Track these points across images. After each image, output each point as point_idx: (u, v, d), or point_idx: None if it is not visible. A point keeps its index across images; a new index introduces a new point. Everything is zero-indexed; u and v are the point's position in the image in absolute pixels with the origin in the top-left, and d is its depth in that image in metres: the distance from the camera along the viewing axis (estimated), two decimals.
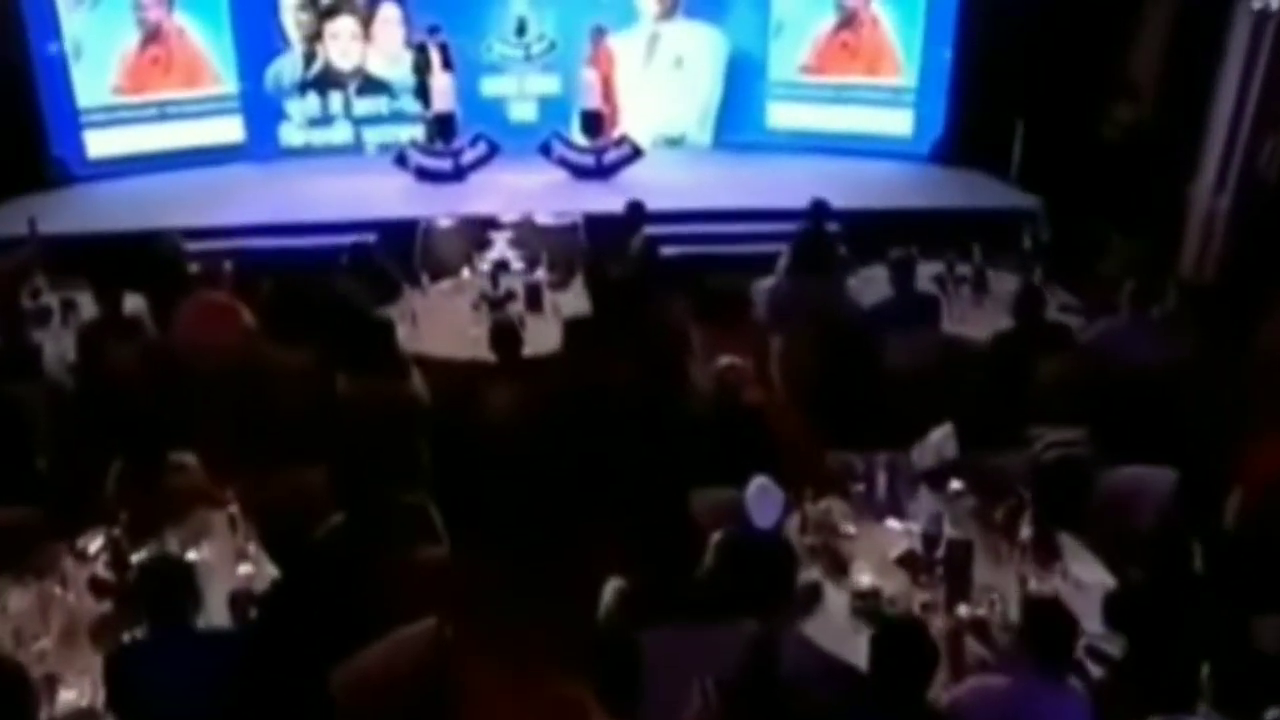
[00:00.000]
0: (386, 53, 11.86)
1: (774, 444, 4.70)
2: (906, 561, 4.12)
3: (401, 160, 10.72)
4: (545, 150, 10.77)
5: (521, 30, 11.63)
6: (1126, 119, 10.15)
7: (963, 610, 3.87)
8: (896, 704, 3.14)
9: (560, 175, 10.82)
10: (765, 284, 7.51)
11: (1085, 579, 4.14)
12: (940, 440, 4.77)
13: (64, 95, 11.09)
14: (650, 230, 9.41)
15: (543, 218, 9.36)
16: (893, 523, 4.42)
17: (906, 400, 5.62)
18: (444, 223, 9.38)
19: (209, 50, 11.58)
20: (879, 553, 4.23)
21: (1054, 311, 6.43)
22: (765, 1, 11.67)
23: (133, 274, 7.30)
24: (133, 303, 6.72)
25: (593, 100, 10.71)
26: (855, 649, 3.80)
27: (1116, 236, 8.27)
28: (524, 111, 11.94)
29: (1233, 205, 8.37)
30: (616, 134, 10.83)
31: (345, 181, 10.84)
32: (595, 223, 9.50)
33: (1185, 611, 3.78)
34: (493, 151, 10.77)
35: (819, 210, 7.58)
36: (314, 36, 11.76)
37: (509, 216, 9.45)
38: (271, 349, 5.71)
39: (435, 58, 10.71)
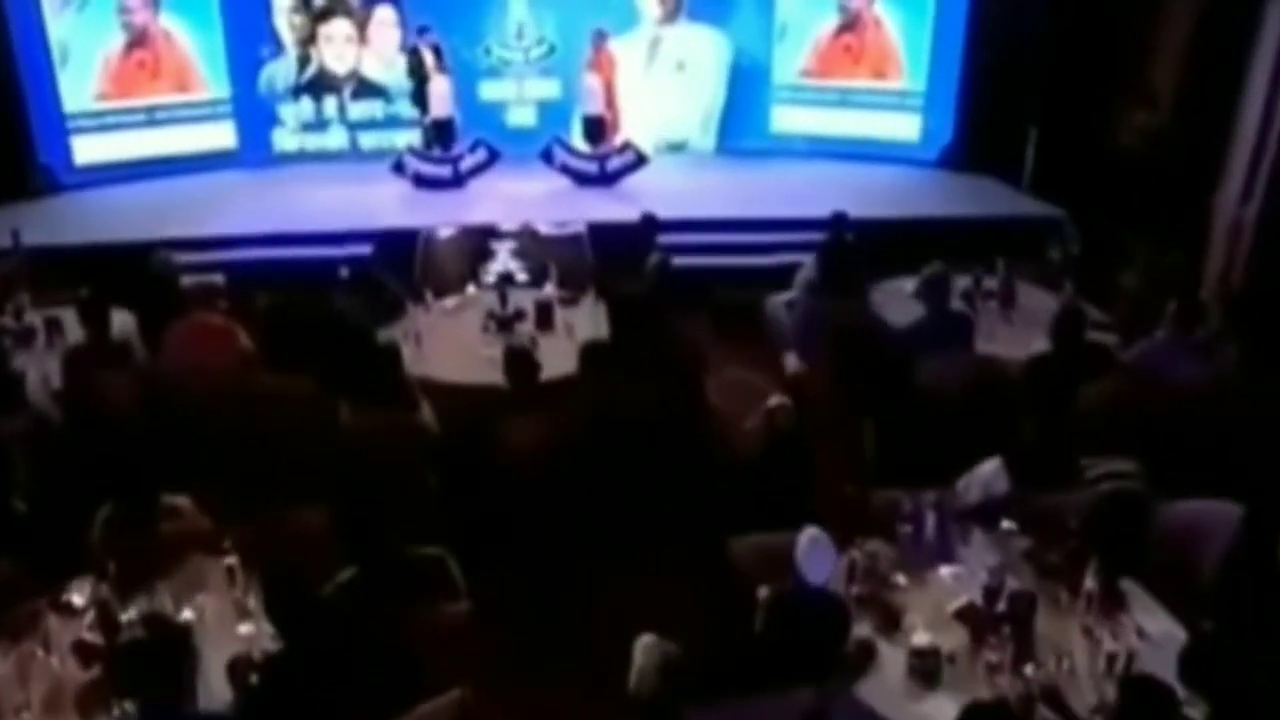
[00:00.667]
0: (382, 56, 11.44)
1: (820, 485, 4.32)
2: (966, 615, 3.76)
3: (399, 167, 10.32)
4: (547, 157, 10.38)
5: (520, 33, 11.23)
6: (1143, 126, 9.81)
7: (1030, 671, 3.51)
8: None
9: (562, 182, 10.44)
10: (781, 299, 7.18)
11: (1152, 631, 3.79)
12: (989, 476, 4.42)
13: (50, 100, 10.65)
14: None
15: (546, 227, 8.98)
16: (945, 569, 4.06)
17: (943, 427, 5.24)
18: (444, 233, 8.99)
19: (199, 54, 11.14)
20: (933, 604, 3.87)
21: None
22: (769, 4, 11.30)
23: (122, 290, 6.94)
24: (121, 321, 6.33)
25: (595, 105, 10.32)
26: (914, 714, 3.47)
27: (1142, 248, 7.92)
28: (523, 116, 11.55)
29: (1260, 215, 8.03)
30: (619, 140, 10.44)
31: (341, 189, 10.43)
32: (600, 232, 9.13)
33: (1268, 667, 3.43)
34: (493, 158, 10.37)
35: (841, 223, 7.20)
36: (308, 39, 11.33)
37: (510, 225, 9.08)
38: (269, 376, 5.30)
39: (429, 60, 10.31)
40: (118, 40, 10.86)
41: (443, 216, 9.57)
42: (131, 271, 8.26)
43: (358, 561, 3.61)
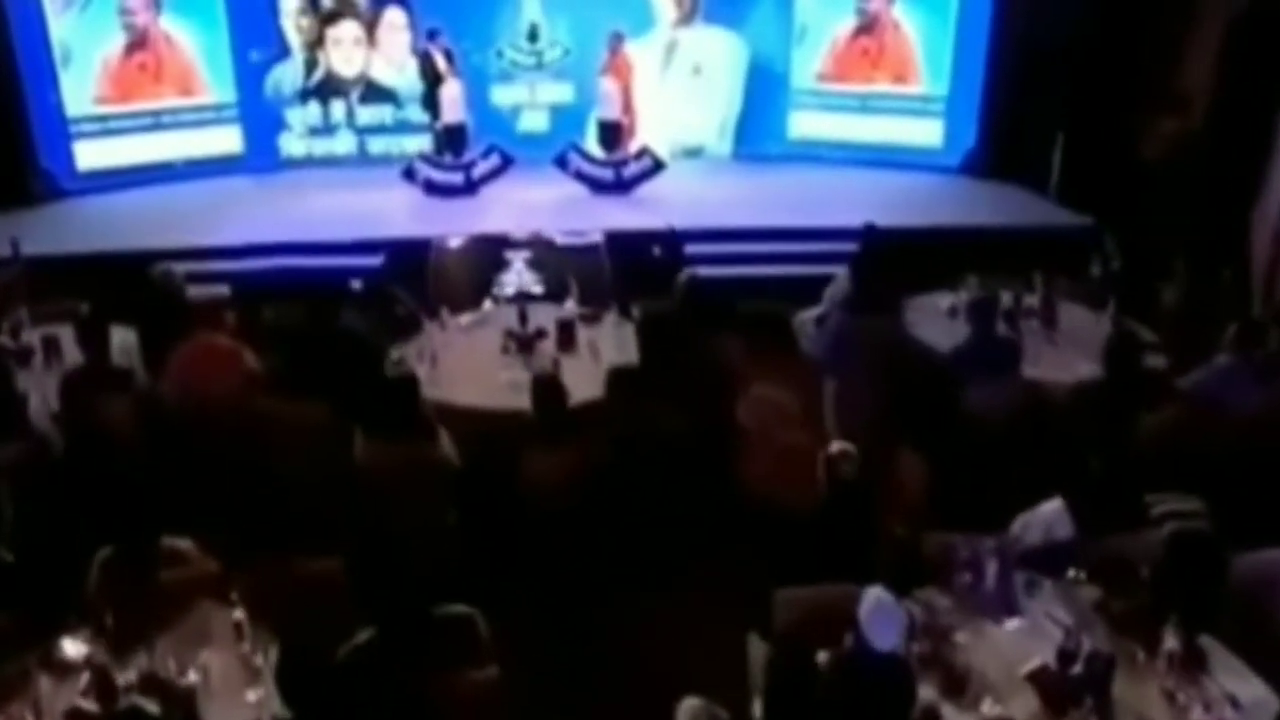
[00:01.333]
0: (392, 59, 11.10)
1: (879, 532, 3.99)
2: (1039, 679, 3.43)
3: (410, 174, 9.98)
4: (561, 163, 10.04)
5: (533, 36, 10.88)
6: (1173, 133, 9.46)
7: None
8: None
9: (576, 189, 10.10)
10: (810, 314, 6.83)
11: (1240, 695, 3.46)
12: (1051, 518, 4.08)
13: (52, 104, 10.32)
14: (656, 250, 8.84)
15: (562, 237, 8.65)
16: (1010, 623, 3.73)
17: (990, 460, 4.92)
18: (457, 243, 8.66)
19: (202, 56, 10.80)
20: (1001, 664, 3.54)
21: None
22: (788, 6, 10.93)
23: (123, 305, 6.62)
24: (122, 339, 6.00)
25: (611, 111, 9.97)
26: None
27: (1181, 262, 7.58)
28: (535, 121, 11.20)
29: None
30: (636, 146, 10.10)
31: (350, 196, 10.09)
32: (618, 241, 8.81)
33: None
34: (505, 164, 10.04)
35: (873, 235, 6.87)
36: (315, 42, 10.99)
37: (524, 234, 8.75)
38: (277, 402, 4.97)
39: (441, 64, 9.98)
40: (118, 42, 10.53)
41: (454, 224, 9.25)
42: (133, 284, 8.03)
43: (377, 620, 3.28)
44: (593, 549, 4.44)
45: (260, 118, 11.02)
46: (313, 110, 11.13)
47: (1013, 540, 4.05)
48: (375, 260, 8.63)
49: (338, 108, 11.16)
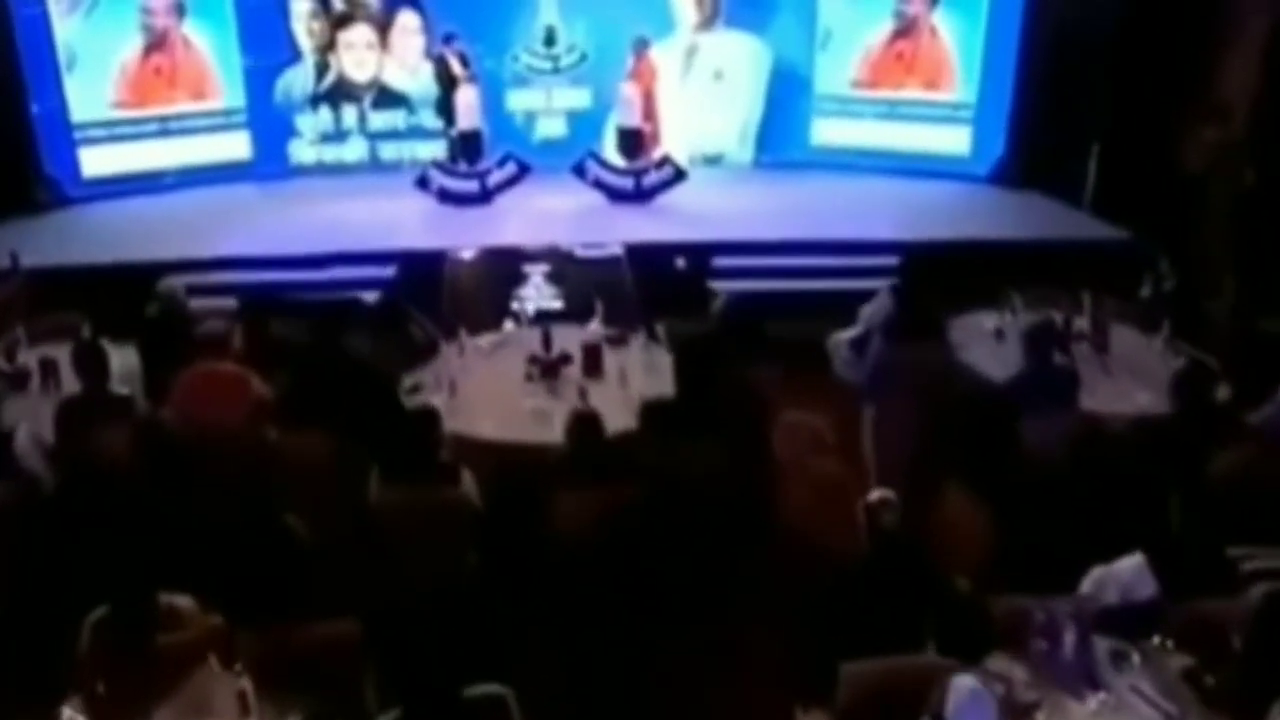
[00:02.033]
0: (405, 63, 10.74)
1: (934, 587, 3.61)
2: None
3: (423, 182, 9.61)
4: (579, 171, 9.67)
5: (550, 40, 10.50)
6: (1214, 142, 9.06)
7: None
8: None
9: (594, 198, 9.72)
10: (844, 336, 6.45)
11: None
12: (1130, 577, 3.70)
13: (57, 109, 9.98)
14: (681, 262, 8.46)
15: (582, 250, 8.30)
16: (1093, 699, 3.35)
17: (1051, 503, 4.54)
18: (471, 255, 8.32)
19: (215, 61, 10.46)
20: None
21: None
22: (812, 10, 10.54)
23: (126, 322, 6.28)
24: (123, 360, 5.65)
25: (631, 117, 9.59)
26: None
27: (1229, 278, 7.23)
28: (552, 127, 10.83)
29: None
30: (657, 154, 9.73)
31: (362, 204, 9.73)
32: (638, 254, 8.46)
33: None
34: (522, 172, 9.67)
35: (917, 256, 6.48)
36: (327, 46, 10.63)
37: (542, 245, 8.41)
38: (286, 435, 4.61)
39: (456, 69, 9.61)
40: (134, 46, 10.19)
41: (469, 234, 8.92)
42: (137, 298, 7.69)
43: (399, 701, 2.91)
44: (626, 599, 4.07)
45: (270, 123, 10.67)
46: (323, 116, 10.77)
47: (1088, 601, 3.68)
48: (387, 272, 8.34)
49: (349, 113, 10.80)
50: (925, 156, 10.50)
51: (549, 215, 9.43)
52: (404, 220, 9.39)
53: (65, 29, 9.90)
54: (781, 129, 10.87)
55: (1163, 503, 4.10)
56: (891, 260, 8.53)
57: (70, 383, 5.28)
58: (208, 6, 10.32)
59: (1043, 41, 9.79)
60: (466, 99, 9.56)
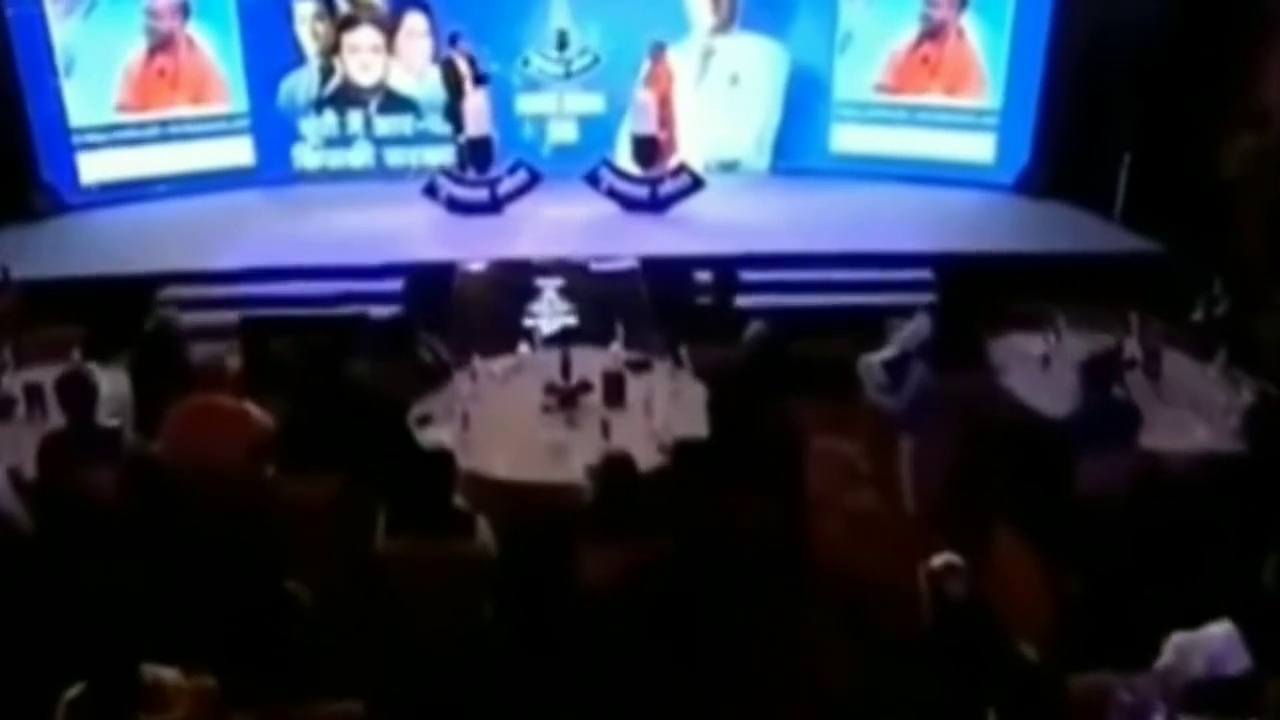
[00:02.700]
0: (412, 67, 10.35)
1: (1006, 664, 3.22)
2: None
3: (431, 190, 9.22)
4: (593, 180, 9.28)
5: (562, 44, 10.09)
6: (1251, 150, 8.65)
7: None
8: None
9: (608, 207, 9.33)
10: (875, 359, 6.05)
11: None
12: (1220, 649, 3.29)
13: (55, 113, 9.60)
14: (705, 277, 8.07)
15: (595, 263, 7.91)
16: None
17: (1114, 553, 4.15)
18: (481, 268, 7.93)
19: (219, 64, 10.07)
20: None
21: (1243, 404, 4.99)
22: (832, 13, 10.13)
23: (120, 337, 5.91)
24: (114, 385, 5.27)
25: (647, 124, 9.20)
26: None
27: (1276, 293, 6.82)
28: (564, 133, 10.43)
29: None
30: (674, 162, 9.33)
31: (367, 213, 9.34)
32: (654, 267, 8.07)
33: None
34: (533, 180, 9.28)
35: (948, 271, 6.09)
36: (331, 49, 10.24)
37: (555, 258, 8.03)
38: (287, 480, 4.23)
39: (464, 73, 9.22)
40: (137, 48, 9.81)
41: (479, 245, 8.54)
42: (135, 313, 7.33)
43: None
44: (656, 665, 3.67)
45: (273, 128, 10.29)
46: (328, 121, 10.39)
47: (1173, 675, 3.28)
48: (394, 285, 7.96)
49: (355, 118, 10.41)
50: (947, 164, 10.10)
51: (561, 225, 9.05)
52: (411, 230, 9.01)
53: (63, 31, 9.52)
54: (799, 135, 10.48)
55: (1247, 557, 3.71)
56: (919, 274, 8.18)
57: (57, 412, 4.90)
58: (211, 8, 9.95)
59: (1071, 46, 9.40)
60: (476, 104, 9.18)
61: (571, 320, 7.33)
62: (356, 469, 4.31)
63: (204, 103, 10.10)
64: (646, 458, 4.51)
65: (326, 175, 10.44)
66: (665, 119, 9.24)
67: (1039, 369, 5.48)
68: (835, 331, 7.24)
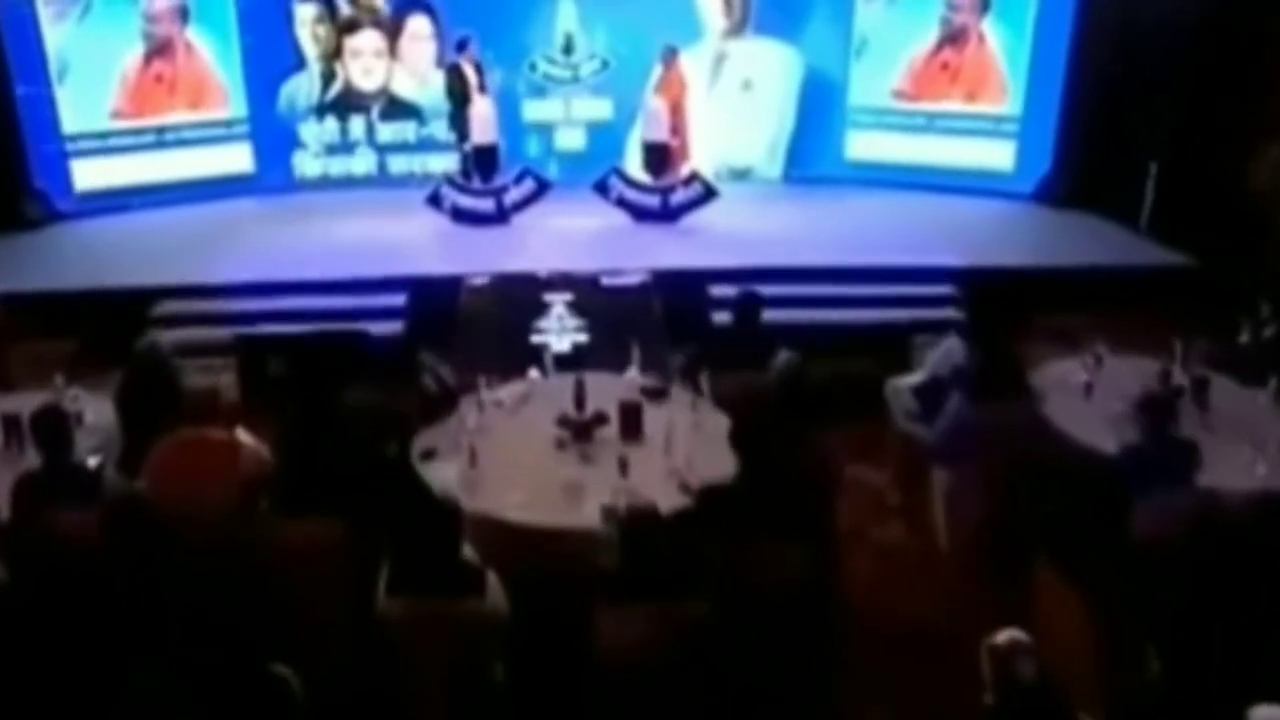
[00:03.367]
0: (415, 71, 9.98)
1: None
2: None
3: (436, 200, 8.84)
4: (602, 189, 8.90)
5: (569, 48, 9.73)
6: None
7: None
8: None
9: (618, 217, 8.94)
10: (905, 383, 5.71)
11: None
12: None
13: (48, 120, 9.23)
14: (719, 291, 7.69)
15: (606, 277, 7.54)
16: None
17: (1168, 600, 3.79)
18: (487, 283, 7.55)
19: (218, 69, 9.70)
20: None
21: None
22: (847, 17, 9.76)
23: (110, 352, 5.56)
24: (98, 415, 4.92)
25: (658, 131, 8.82)
26: None
27: None
28: (571, 139, 10.05)
29: None
30: (686, 170, 8.96)
31: (369, 223, 8.99)
32: (667, 281, 7.70)
33: None
34: (541, 190, 8.90)
35: (977, 288, 5.72)
36: (333, 53, 9.87)
37: (563, 271, 7.66)
38: (280, 525, 3.86)
39: (471, 79, 8.85)
40: (134, 53, 9.44)
41: (484, 257, 8.17)
42: (128, 328, 6.98)
43: None
44: None
45: (273, 135, 9.92)
46: (329, 127, 10.02)
47: None
48: (397, 299, 7.59)
49: (357, 124, 10.04)
50: (966, 172, 9.73)
51: (570, 235, 8.68)
52: (415, 241, 8.64)
53: (56, 36, 9.16)
54: (814, 142, 10.11)
55: None
56: (941, 289, 7.82)
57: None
58: (210, 11, 9.58)
59: (1094, 51, 9.03)
60: (481, 111, 8.80)
61: (582, 338, 6.97)
62: (357, 513, 3.95)
63: (202, 109, 9.74)
64: (667, 498, 4.17)
65: (328, 183, 10.08)
66: (677, 126, 8.88)
67: (1080, 398, 5.11)
68: (856, 350, 6.91)
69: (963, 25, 9.39)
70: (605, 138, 9.88)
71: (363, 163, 10.13)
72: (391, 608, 3.36)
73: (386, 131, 10.09)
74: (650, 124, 8.89)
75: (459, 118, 8.89)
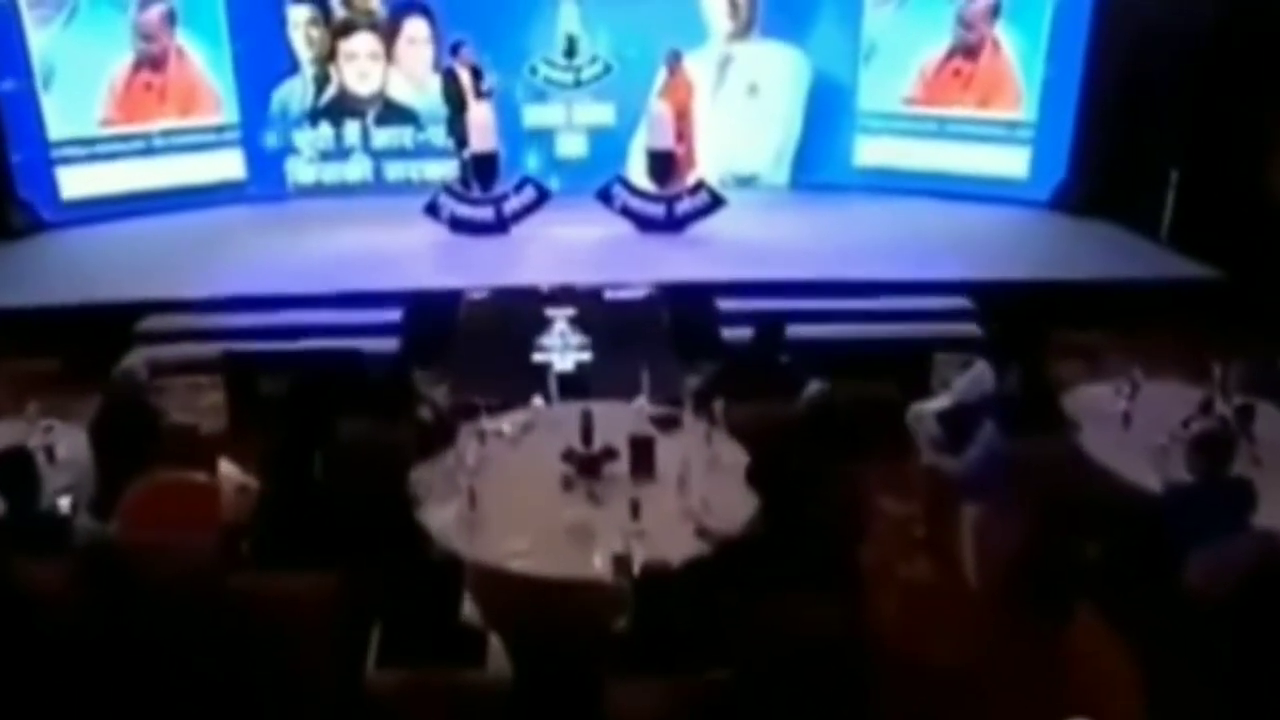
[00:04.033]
0: (412, 76, 9.66)
1: None
2: None
3: (433, 210, 8.49)
4: (605, 197, 8.55)
5: (571, 51, 9.38)
6: None
7: None
8: None
9: (621, 226, 8.60)
10: (929, 408, 5.36)
11: None
12: None
13: (33, 127, 8.89)
14: (727, 305, 7.37)
15: (611, 291, 7.20)
16: None
17: (1223, 653, 3.47)
18: (486, 297, 7.21)
19: (209, 74, 9.36)
20: None
21: None
22: (856, 20, 9.44)
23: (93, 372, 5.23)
24: (72, 448, 4.57)
25: (663, 138, 8.48)
26: None
27: None
28: (573, 145, 9.72)
29: None
30: (692, 179, 8.62)
31: (365, 232, 8.66)
32: (674, 295, 7.36)
33: None
34: (542, 198, 8.56)
35: (1005, 311, 5.39)
36: (327, 57, 9.52)
37: (566, 284, 7.32)
38: (262, 582, 3.52)
39: (467, 84, 8.49)
40: (123, 59, 9.12)
41: (483, 268, 7.84)
42: (114, 344, 6.68)
43: None
44: None
45: (265, 141, 9.57)
46: (323, 132, 9.71)
47: None
48: (393, 315, 7.25)
49: (351, 130, 9.74)
50: (978, 179, 9.42)
51: (572, 246, 8.35)
52: (411, 252, 8.29)
53: (41, 40, 8.84)
54: (821, 148, 9.80)
55: None
56: (958, 302, 7.48)
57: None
58: (200, 15, 9.24)
59: (1111, 56, 8.71)
60: (480, 118, 8.44)
61: (586, 356, 6.63)
62: (348, 564, 3.61)
63: (193, 115, 9.41)
64: (682, 544, 3.84)
65: (321, 190, 9.77)
66: (683, 132, 8.53)
67: (1118, 428, 4.78)
68: (872, 369, 6.55)
69: (977, 31, 9.07)
70: (608, 144, 9.56)
71: (358, 169, 9.81)
72: (383, 679, 3.02)
73: (382, 137, 9.78)
74: (655, 130, 8.55)
75: (457, 124, 8.53)
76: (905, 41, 9.35)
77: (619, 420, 4.64)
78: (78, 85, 9.01)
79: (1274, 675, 3.40)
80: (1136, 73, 8.53)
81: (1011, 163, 9.37)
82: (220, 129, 9.50)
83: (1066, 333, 7.05)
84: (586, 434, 4.40)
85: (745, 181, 9.85)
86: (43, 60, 8.85)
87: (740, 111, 9.71)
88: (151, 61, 9.21)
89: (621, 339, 6.65)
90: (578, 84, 9.51)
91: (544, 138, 9.71)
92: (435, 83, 9.15)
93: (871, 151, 9.70)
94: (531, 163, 9.47)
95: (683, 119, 8.51)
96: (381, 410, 4.72)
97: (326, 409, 4.54)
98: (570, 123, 9.66)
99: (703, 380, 5.42)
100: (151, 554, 3.67)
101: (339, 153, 9.75)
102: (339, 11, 9.45)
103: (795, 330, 6.76)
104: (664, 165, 8.51)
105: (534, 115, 9.66)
